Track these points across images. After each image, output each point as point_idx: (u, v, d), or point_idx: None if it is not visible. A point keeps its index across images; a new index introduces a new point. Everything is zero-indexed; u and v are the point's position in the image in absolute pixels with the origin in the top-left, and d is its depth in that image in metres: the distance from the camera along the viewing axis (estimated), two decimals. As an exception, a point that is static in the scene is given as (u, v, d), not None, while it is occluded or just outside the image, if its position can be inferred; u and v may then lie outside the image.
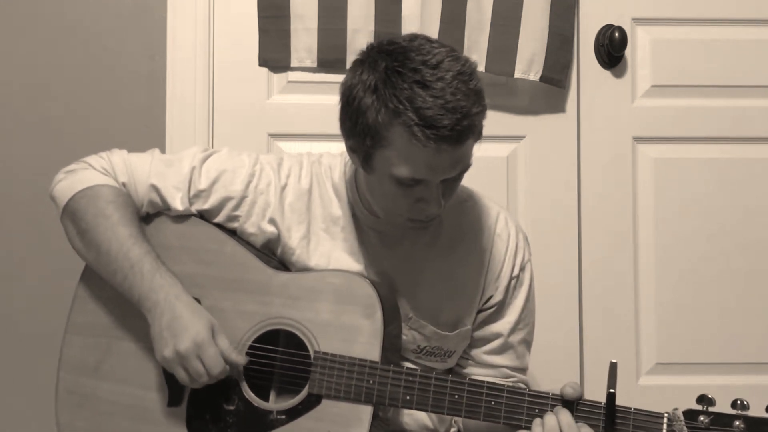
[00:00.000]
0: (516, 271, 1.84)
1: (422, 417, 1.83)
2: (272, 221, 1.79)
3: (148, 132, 2.51)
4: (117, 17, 2.52)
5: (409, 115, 1.53)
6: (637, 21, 2.60)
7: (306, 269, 1.78)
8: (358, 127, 1.60)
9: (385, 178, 1.62)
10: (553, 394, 1.58)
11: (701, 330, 2.58)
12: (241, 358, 1.69)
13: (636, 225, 2.59)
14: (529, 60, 2.50)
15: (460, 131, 1.54)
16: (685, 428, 1.48)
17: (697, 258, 2.60)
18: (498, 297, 1.83)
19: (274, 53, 2.53)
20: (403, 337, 1.78)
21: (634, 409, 1.52)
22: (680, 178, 2.60)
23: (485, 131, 2.49)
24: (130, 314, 1.75)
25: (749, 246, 2.60)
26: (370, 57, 1.62)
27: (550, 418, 1.55)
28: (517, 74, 2.50)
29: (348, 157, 1.79)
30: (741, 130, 2.60)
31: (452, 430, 1.90)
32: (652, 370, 2.58)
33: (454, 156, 1.58)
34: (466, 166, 1.64)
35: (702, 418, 1.48)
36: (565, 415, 1.54)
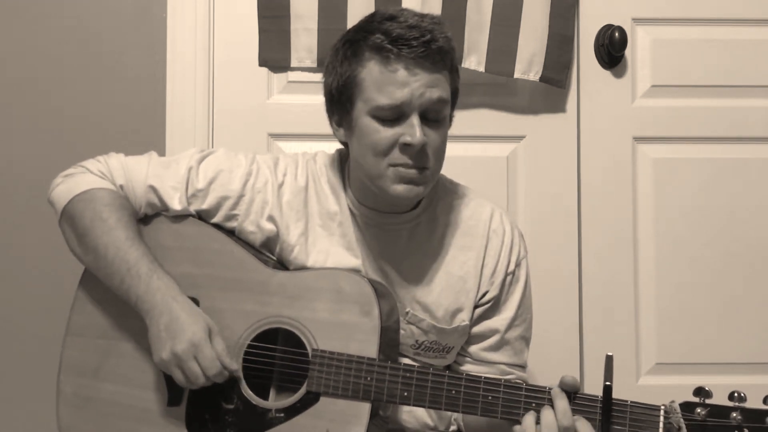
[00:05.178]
0: (511, 267, 1.84)
1: (422, 414, 1.84)
2: (271, 219, 1.79)
3: (148, 132, 2.51)
4: (117, 17, 2.53)
5: (378, 35, 1.64)
6: (637, 21, 2.60)
7: (304, 268, 1.78)
8: (334, 84, 1.71)
9: (367, 124, 1.66)
10: (550, 388, 1.58)
11: (701, 330, 2.58)
12: (233, 365, 1.68)
13: (636, 225, 2.59)
14: (529, 60, 2.50)
15: (427, 44, 1.62)
16: (682, 420, 1.48)
17: (697, 258, 2.60)
18: (493, 293, 1.83)
19: (274, 53, 2.54)
20: (401, 332, 1.78)
21: (631, 402, 1.52)
22: (680, 178, 2.60)
23: (485, 131, 2.55)
24: (129, 316, 1.75)
25: (749, 246, 2.60)
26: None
27: (546, 410, 1.55)
28: (516, 74, 2.50)
29: (342, 154, 1.82)
30: (741, 130, 2.60)
31: (452, 428, 1.90)
32: (652, 370, 2.58)
33: (427, 79, 1.63)
34: (442, 100, 1.67)
35: (699, 410, 1.48)
36: (561, 401, 1.54)
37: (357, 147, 1.71)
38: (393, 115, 1.64)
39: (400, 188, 1.68)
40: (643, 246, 2.59)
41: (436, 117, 1.67)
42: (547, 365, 2.35)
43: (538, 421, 1.55)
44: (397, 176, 1.67)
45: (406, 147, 1.64)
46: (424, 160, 1.66)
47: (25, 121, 2.53)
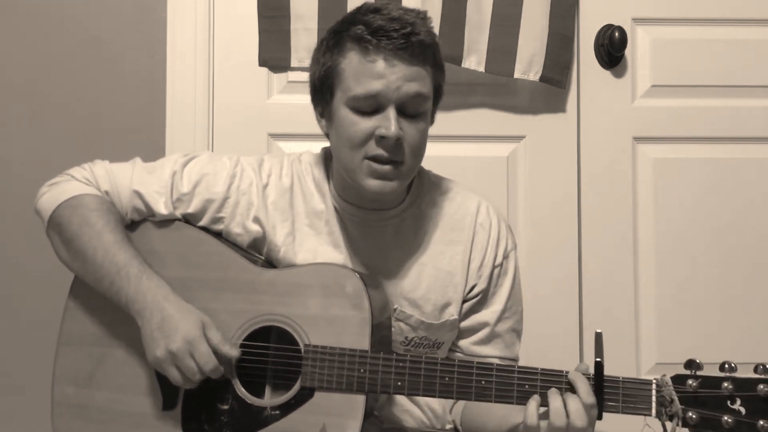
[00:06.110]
0: (499, 260, 1.83)
1: (420, 414, 1.84)
2: (257, 220, 1.79)
3: (148, 132, 2.52)
4: (117, 17, 2.54)
5: (359, 26, 1.65)
6: (637, 21, 2.60)
7: (292, 265, 1.78)
8: (317, 74, 1.72)
9: (344, 115, 1.67)
10: (542, 370, 1.59)
11: (701, 330, 2.58)
12: (234, 351, 1.68)
13: (636, 225, 2.59)
14: (529, 60, 2.50)
15: (407, 36, 1.62)
16: (674, 393, 1.48)
17: (697, 258, 2.59)
18: (481, 286, 1.82)
19: (274, 53, 2.54)
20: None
21: (623, 377, 1.52)
22: (680, 178, 2.60)
23: (485, 131, 2.55)
24: (120, 322, 1.75)
25: (749, 246, 2.60)
26: None
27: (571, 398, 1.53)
28: (516, 74, 2.50)
29: (327, 152, 1.83)
30: (741, 130, 2.60)
31: (448, 426, 1.89)
32: (652, 370, 2.56)
33: (406, 72, 1.63)
34: (421, 94, 1.66)
35: (690, 382, 1.48)
36: (588, 394, 1.52)
37: (335, 139, 1.72)
38: (369, 107, 1.64)
39: (372, 183, 1.68)
40: (643, 246, 2.59)
41: (414, 111, 1.67)
42: (546, 365, 2.32)
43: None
44: (370, 171, 1.67)
45: (381, 140, 1.64)
46: (400, 155, 1.66)
47: (26, 121, 2.53)
